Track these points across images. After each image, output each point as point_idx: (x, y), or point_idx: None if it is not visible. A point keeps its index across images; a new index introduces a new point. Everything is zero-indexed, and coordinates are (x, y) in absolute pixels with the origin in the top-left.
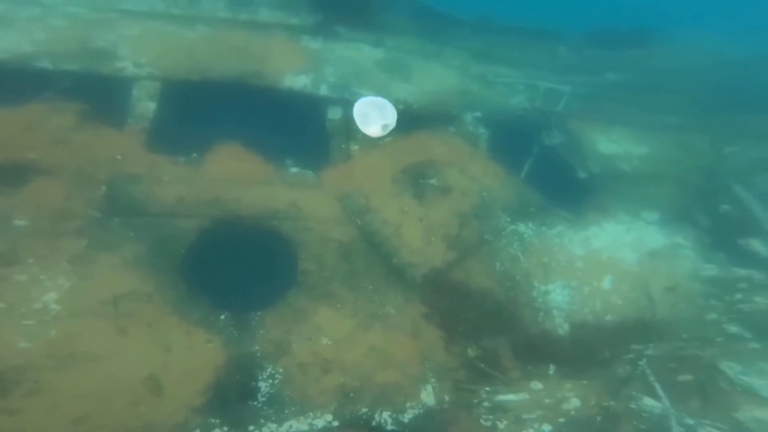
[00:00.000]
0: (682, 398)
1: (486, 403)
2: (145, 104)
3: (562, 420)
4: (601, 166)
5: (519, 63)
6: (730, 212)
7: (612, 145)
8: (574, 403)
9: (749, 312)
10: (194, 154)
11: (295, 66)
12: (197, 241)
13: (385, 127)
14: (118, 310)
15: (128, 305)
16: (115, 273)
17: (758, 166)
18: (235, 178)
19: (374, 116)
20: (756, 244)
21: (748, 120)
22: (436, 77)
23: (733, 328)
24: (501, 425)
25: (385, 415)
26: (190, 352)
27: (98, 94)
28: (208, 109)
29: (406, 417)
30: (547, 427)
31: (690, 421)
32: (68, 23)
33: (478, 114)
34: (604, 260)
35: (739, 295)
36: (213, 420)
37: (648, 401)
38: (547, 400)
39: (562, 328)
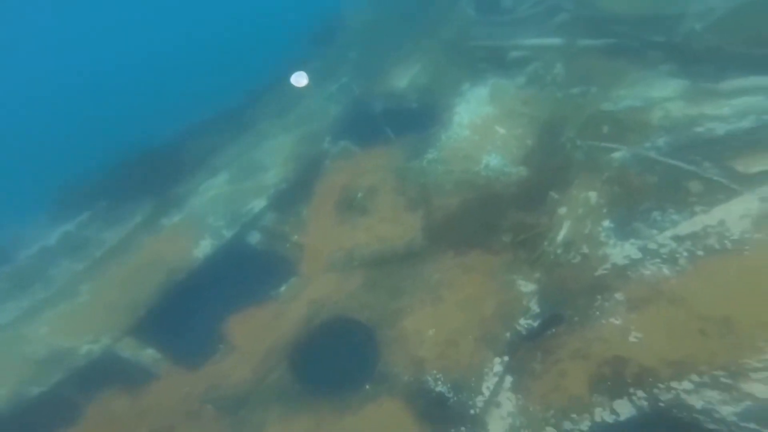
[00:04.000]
0: None
1: (558, 250)
2: (145, 352)
3: (604, 210)
4: None
5: None
6: None
7: None
8: (593, 196)
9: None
10: (220, 346)
11: (184, 244)
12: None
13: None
14: None
15: None
16: None
17: None
18: (261, 335)
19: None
20: None
21: None
22: None
23: None
24: (584, 249)
25: (521, 321)
26: None
27: (106, 376)
28: (186, 317)
29: (534, 306)
30: (605, 222)
31: None
32: None
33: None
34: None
35: None
36: None
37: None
38: (580, 210)
39: (521, 171)
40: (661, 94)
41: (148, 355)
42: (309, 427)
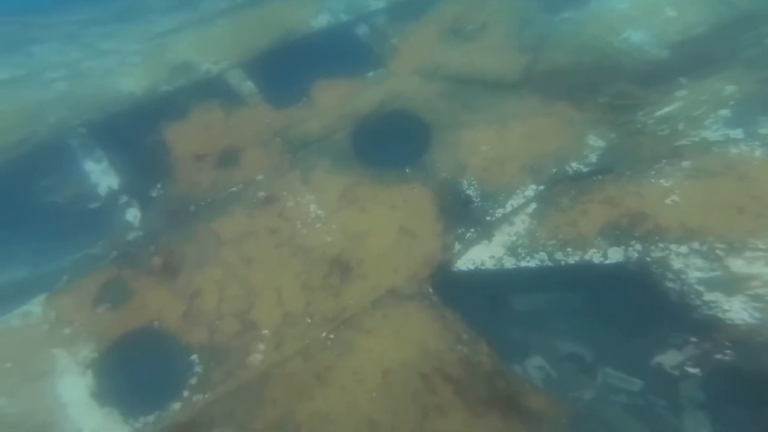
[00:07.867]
0: None
1: (650, 121)
2: (246, 84)
3: (732, 102)
4: None
5: None
6: None
7: None
8: (730, 89)
9: None
10: (304, 98)
11: (307, 14)
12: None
13: None
14: None
15: None
16: None
17: None
18: (339, 102)
19: None
20: None
21: None
22: None
23: None
24: (680, 127)
25: (573, 164)
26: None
27: (213, 93)
28: (287, 69)
29: (593, 157)
30: (722, 111)
31: None
32: (139, 60)
33: None
34: None
35: None
36: None
37: None
38: (702, 97)
39: (662, 53)
40: None
41: (248, 87)
42: (347, 183)
